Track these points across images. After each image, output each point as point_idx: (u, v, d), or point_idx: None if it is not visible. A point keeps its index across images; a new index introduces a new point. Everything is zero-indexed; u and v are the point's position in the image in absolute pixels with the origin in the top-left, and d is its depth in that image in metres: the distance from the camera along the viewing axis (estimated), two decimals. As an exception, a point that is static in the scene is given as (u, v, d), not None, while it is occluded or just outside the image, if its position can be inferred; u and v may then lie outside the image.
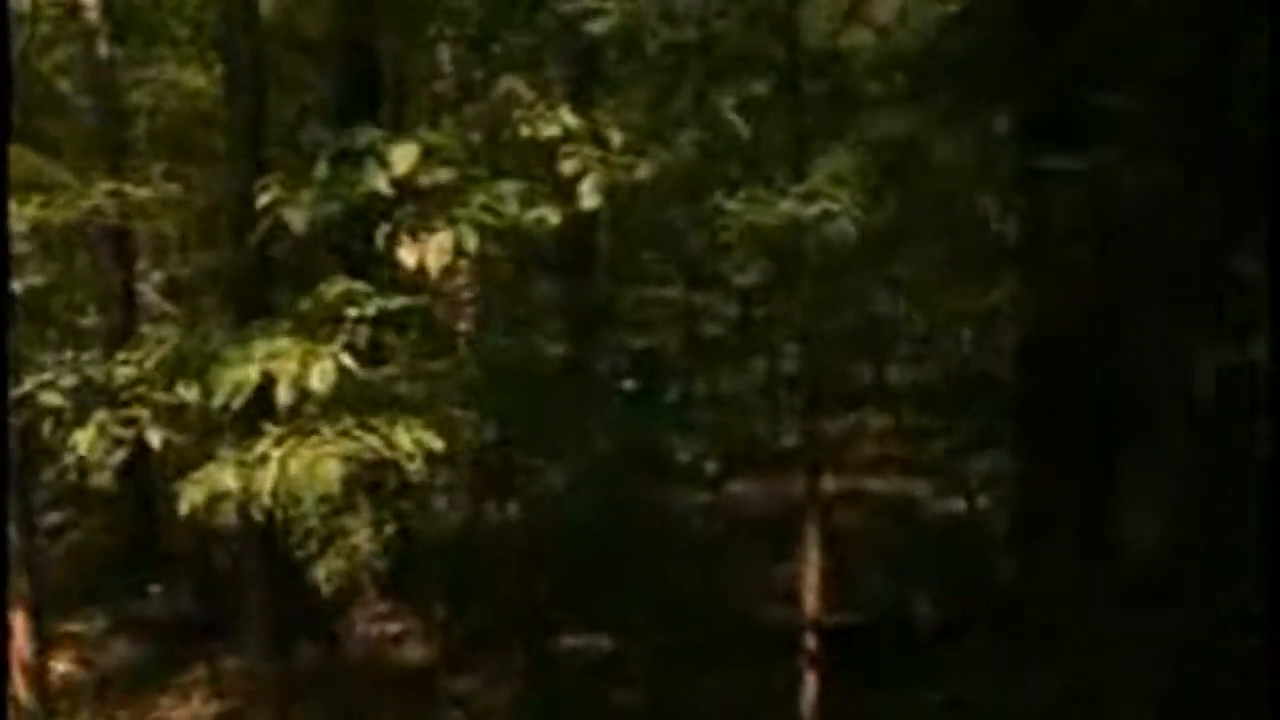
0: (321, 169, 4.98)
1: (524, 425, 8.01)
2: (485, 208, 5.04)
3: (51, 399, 5.62)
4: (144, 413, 5.48)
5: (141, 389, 5.54)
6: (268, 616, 7.79)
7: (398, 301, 5.85)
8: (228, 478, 5.13)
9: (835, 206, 6.03)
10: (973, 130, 9.33)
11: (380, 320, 5.83)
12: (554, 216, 5.25)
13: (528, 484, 9.11)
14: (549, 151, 5.50)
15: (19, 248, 7.45)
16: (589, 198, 5.38)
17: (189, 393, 5.45)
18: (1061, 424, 7.66)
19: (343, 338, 5.32)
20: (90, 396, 5.85)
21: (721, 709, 8.85)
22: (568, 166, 5.37)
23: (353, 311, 5.58)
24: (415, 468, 5.24)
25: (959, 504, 11.21)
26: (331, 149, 5.02)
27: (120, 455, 5.53)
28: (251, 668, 8.57)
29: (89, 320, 12.27)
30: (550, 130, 5.35)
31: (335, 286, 5.67)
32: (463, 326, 9.97)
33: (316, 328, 5.43)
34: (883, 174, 6.90)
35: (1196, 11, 6.89)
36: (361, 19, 10.04)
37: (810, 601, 7.47)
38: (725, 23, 7.59)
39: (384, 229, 4.97)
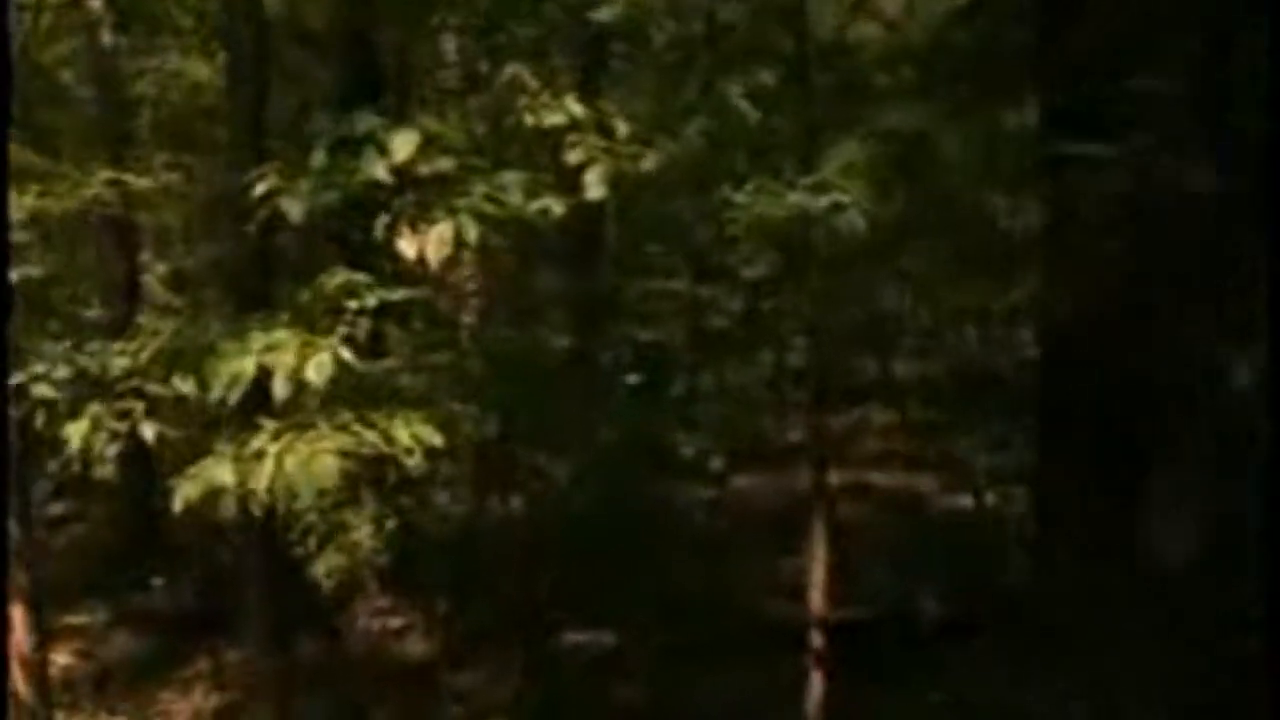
0: (319, 157, 4.81)
1: (527, 419, 7.84)
2: (487, 198, 4.87)
3: (44, 391, 5.44)
4: (138, 405, 5.30)
5: (136, 381, 5.36)
6: (268, 611, 7.63)
7: (399, 293, 5.69)
8: (223, 473, 4.96)
9: (845, 198, 5.87)
10: (981, 125, 9.18)
11: (382, 312, 5.68)
12: (558, 207, 5.08)
13: (530, 478, 8.95)
14: (554, 141, 5.33)
15: (17, 237, 7.28)
16: (594, 188, 5.21)
17: (185, 385, 5.28)
18: (1087, 424, 7.40)
19: (342, 330, 5.15)
20: (86, 389, 5.69)
21: (724, 706, 8.69)
22: (573, 156, 5.20)
23: (353, 303, 5.42)
24: (414, 463, 5.07)
25: (965, 499, 11.06)
26: (330, 137, 4.84)
27: (116, 448, 5.34)
28: (252, 662, 8.41)
29: (93, 312, 12.10)
30: (555, 119, 5.18)
31: (335, 278, 5.50)
32: (466, 319, 9.82)
33: (315, 320, 5.26)
34: (891, 168, 6.72)
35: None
36: (364, 10, 9.88)
37: (816, 599, 7.32)
38: (732, 14, 7.42)
39: (383, 219, 4.79)
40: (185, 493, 5.08)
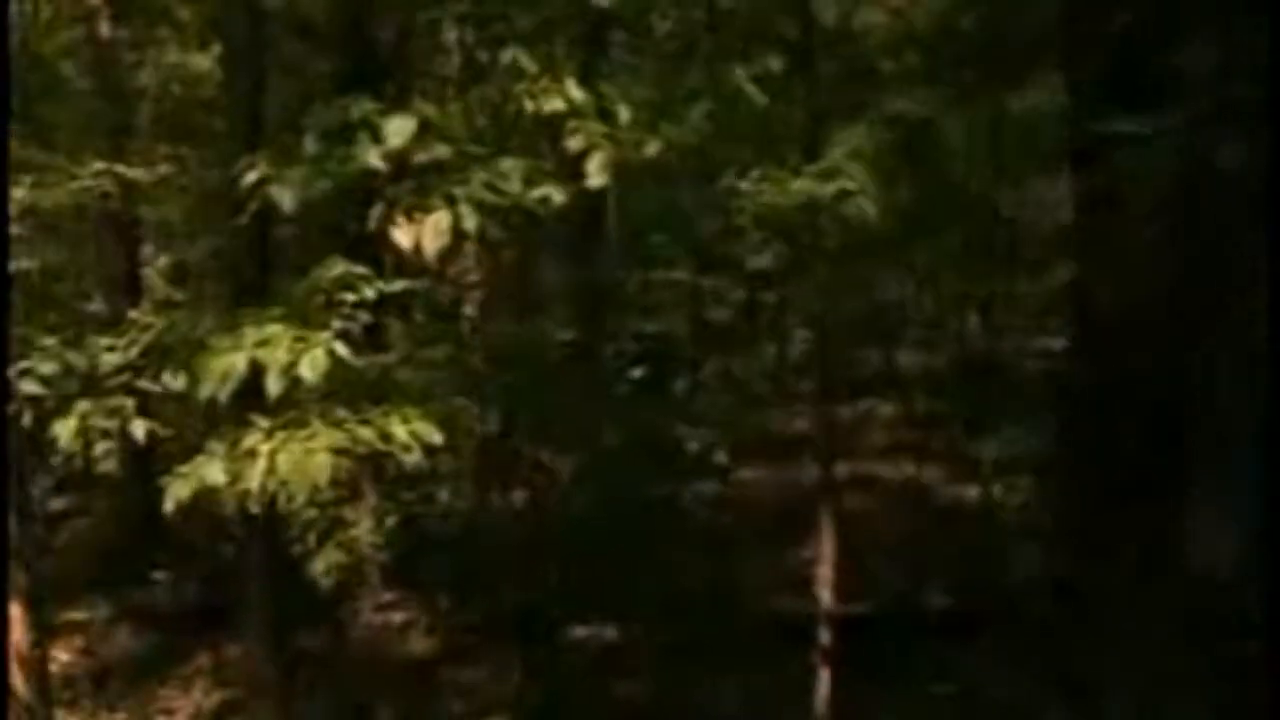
0: (311, 144, 4.56)
1: (529, 413, 7.61)
2: (486, 186, 4.62)
3: (30, 387, 5.20)
4: (128, 402, 5.07)
5: (126, 377, 5.12)
6: (269, 606, 7.42)
7: (398, 285, 5.46)
8: (215, 472, 4.73)
9: (853, 185, 5.64)
10: (986, 111, 8.95)
11: (382, 305, 5.44)
12: (559, 195, 4.82)
13: (533, 473, 8.72)
14: (554, 128, 5.09)
15: (13, 230, 7.06)
16: (596, 176, 4.97)
17: (176, 381, 5.05)
18: (1122, 418, 7.00)
19: (337, 324, 4.91)
20: (81, 385, 5.45)
21: (728, 702, 8.48)
22: (573, 143, 4.95)
23: (350, 296, 5.18)
24: (412, 460, 4.83)
25: (970, 491, 10.84)
26: (323, 123, 4.59)
27: (106, 446, 5.11)
28: (253, 658, 8.20)
29: (95, 306, 11.87)
30: (555, 104, 4.92)
31: (332, 270, 5.27)
32: (468, 311, 9.60)
33: (311, 313, 5.03)
34: (898, 155, 6.49)
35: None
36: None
37: (825, 596, 7.11)
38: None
39: (378, 208, 4.55)
40: (176, 492, 4.86)
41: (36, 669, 7.77)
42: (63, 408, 5.10)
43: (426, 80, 10.74)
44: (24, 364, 5.24)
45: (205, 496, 4.99)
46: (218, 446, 4.91)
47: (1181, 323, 6.02)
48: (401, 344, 6.49)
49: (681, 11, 8.11)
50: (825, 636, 7.18)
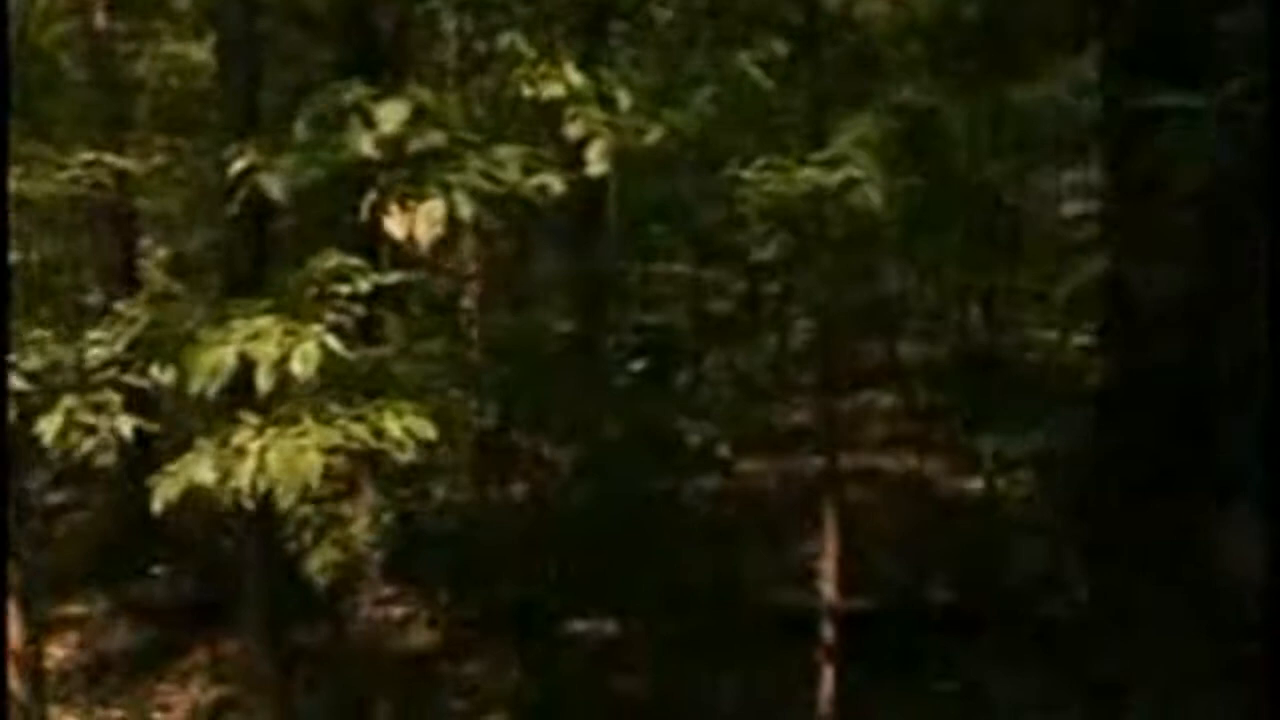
0: (301, 130, 4.33)
1: (528, 406, 7.39)
2: (483, 174, 4.38)
3: (16, 382, 4.97)
4: (115, 397, 4.85)
5: (114, 372, 4.90)
6: (267, 601, 7.22)
7: (393, 277, 5.24)
8: (203, 471, 4.51)
9: (859, 173, 5.42)
10: (990, 101, 8.73)
11: (377, 297, 5.22)
12: (557, 184, 4.59)
13: (532, 467, 8.51)
14: (553, 114, 4.86)
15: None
16: (596, 164, 4.74)
17: (163, 376, 4.82)
18: (1158, 416, 6.65)
19: (329, 317, 4.69)
20: (75, 379, 5.24)
21: (728, 697, 8.29)
22: (572, 130, 4.72)
23: (344, 288, 4.96)
24: (407, 457, 4.61)
25: (971, 484, 10.65)
26: (315, 109, 4.36)
27: (91, 442, 4.89)
28: (250, 653, 8.00)
29: (94, 298, 11.66)
30: (553, 90, 4.69)
31: (326, 261, 5.04)
32: (466, 303, 9.39)
33: (304, 305, 4.80)
34: (902, 144, 6.26)
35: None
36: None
37: (828, 591, 6.91)
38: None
39: (370, 196, 4.31)
40: (164, 492, 4.64)
41: (30, 665, 7.58)
42: (48, 403, 4.86)
43: (425, 69, 10.50)
44: (10, 358, 5.01)
45: (196, 495, 4.78)
46: (206, 444, 4.69)
47: (1222, 314, 5.60)
48: (397, 337, 6.24)
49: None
50: (828, 632, 6.99)
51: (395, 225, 4.26)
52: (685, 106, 5.05)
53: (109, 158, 6.54)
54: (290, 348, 4.39)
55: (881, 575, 9.15)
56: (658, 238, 9.56)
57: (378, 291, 5.17)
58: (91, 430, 4.90)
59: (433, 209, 4.20)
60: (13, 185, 6.29)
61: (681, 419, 9.33)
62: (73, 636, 9.91)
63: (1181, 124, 5.20)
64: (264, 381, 4.39)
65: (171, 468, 4.69)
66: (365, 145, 4.24)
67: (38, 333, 5.45)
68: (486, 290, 9.08)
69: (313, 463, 4.35)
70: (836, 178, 5.42)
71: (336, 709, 8.35)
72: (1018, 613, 8.64)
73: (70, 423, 4.82)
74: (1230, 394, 5.88)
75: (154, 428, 5.28)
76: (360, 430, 4.53)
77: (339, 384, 4.79)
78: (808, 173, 5.45)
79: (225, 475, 4.53)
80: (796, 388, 12.13)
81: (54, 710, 8.59)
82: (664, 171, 6.96)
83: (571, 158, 4.80)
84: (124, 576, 10.63)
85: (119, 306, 5.17)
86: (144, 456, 10.35)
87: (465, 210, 4.23)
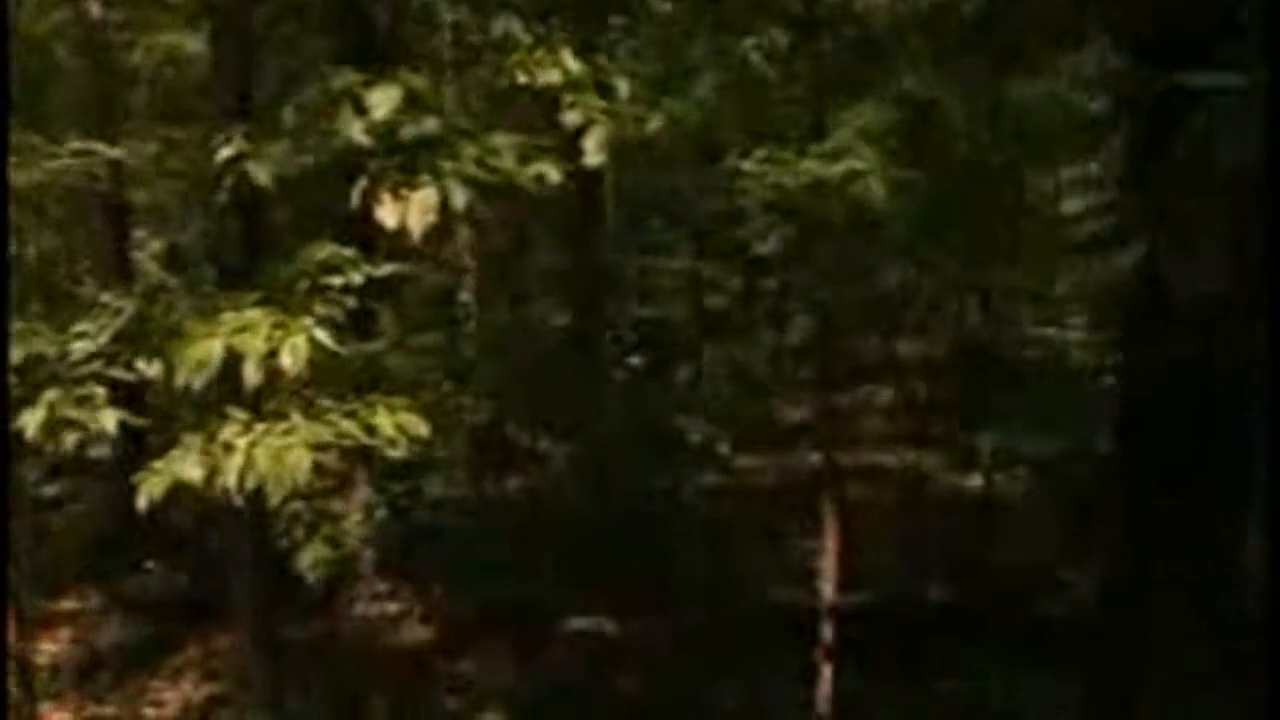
0: (289, 115, 4.15)
1: (524, 402, 7.21)
2: (477, 162, 4.20)
3: (8, 378, 4.78)
4: (100, 391, 4.65)
5: (98, 364, 4.71)
6: (260, 597, 7.04)
7: (386, 268, 5.05)
8: (188, 468, 4.32)
9: (861, 165, 5.25)
10: (989, 97, 8.56)
11: (370, 290, 5.03)
12: (555, 173, 4.41)
13: (528, 463, 8.33)
14: (550, 102, 4.68)
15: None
16: (594, 154, 4.56)
17: (149, 369, 4.63)
18: (1183, 413, 6.39)
19: (320, 309, 4.50)
20: (52, 371, 5.04)
21: (726, 694, 8.13)
22: (570, 118, 4.54)
23: (336, 280, 4.78)
24: (400, 453, 4.43)
25: (968, 479, 10.49)
26: (305, 95, 4.18)
27: (74, 438, 4.70)
28: (243, 649, 7.82)
29: (87, 291, 11.44)
30: (550, 77, 4.51)
31: (318, 253, 4.86)
32: (464, 297, 9.21)
33: (293, 298, 4.62)
34: (903, 137, 6.09)
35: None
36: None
37: (827, 590, 6.76)
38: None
39: (360, 184, 4.13)
40: (149, 489, 4.45)
41: (19, 662, 7.42)
42: (31, 397, 4.67)
43: (421, 61, 10.30)
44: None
45: (187, 491, 4.60)
46: (193, 440, 4.50)
47: (1258, 309, 5.32)
48: (391, 331, 6.06)
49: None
50: (827, 630, 6.85)
51: (387, 214, 4.07)
52: (685, 95, 4.88)
53: (99, 147, 6.34)
54: (279, 341, 4.21)
55: (880, 572, 8.99)
56: (656, 231, 9.38)
57: (371, 284, 4.98)
58: (74, 425, 4.69)
59: (425, 197, 4.02)
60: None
61: (680, 415, 9.16)
62: (65, 632, 9.71)
63: (1220, 105, 4.91)
64: (251, 375, 4.21)
65: (157, 464, 4.50)
66: (356, 131, 4.06)
67: (19, 325, 5.26)
68: (483, 284, 8.88)
69: (301, 459, 4.17)
70: (838, 170, 5.25)
71: (330, 705, 8.17)
72: (1017, 610, 8.51)
73: (53, 418, 4.61)
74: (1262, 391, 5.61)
75: (141, 422, 5.06)
76: (351, 426, 4.34)
77: (330, 378, 4.60)
78: (809, 164, 5.28)
79: (212, 472, 4.34)
80: (795, 383, 11.96)
81: (46, 706, 8.43)
82: (663, 163, 6.78)
83: (569, 147, 4.62)
84: (117, 571, 10.43)
85: (104, 298, 4.97)
86: (138, 451, 10.22)
87: (459, 198, 4.05)
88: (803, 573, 8.53)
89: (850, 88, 6.55)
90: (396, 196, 4.05)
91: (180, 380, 4.38)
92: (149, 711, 8.69)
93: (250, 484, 4.27)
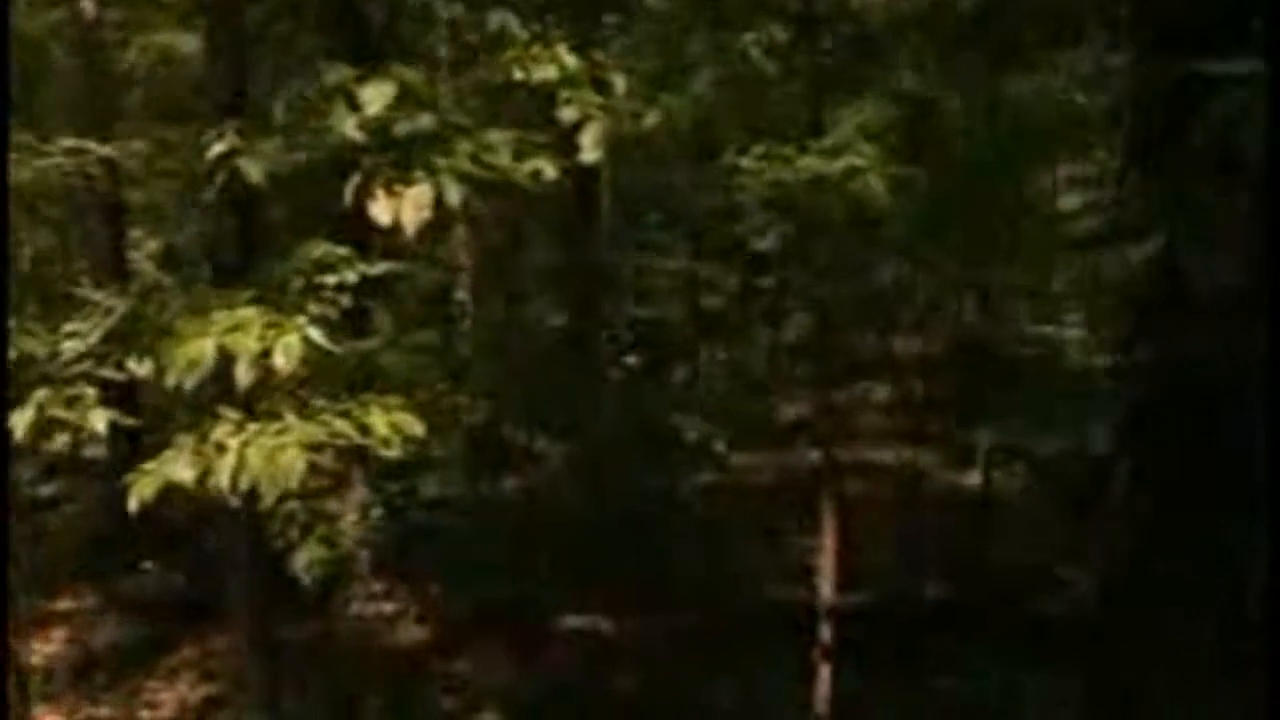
0: (280, 111, 4.06)
1: (521, 401, 7.12)
2: (472, 158, 4.11)
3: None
4: (90, 391, 4.57)
5: (89, 364, 4.62)
6: (256, 597, 6.94)
7: (381, 267, 4.97)
8: (179, 470, 4.23)
9: (861, 161, 5.18)
10: (986, 92, 8.51)
11: (366, 289, 4.95)
12: (551, 169, 4.32)
13: (524, 462, 8.24)
14: (546, 98, 4.60)
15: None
16: (590, 150, 4.48)
17: (140, 369, 4.55)
18: (1185, 416, 6.29)
19: (314, 308, 4.42)
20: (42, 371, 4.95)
21: (723, 694, 8.04)
22: (566, 114, 4.46)
23: (330, 278, 4.70)
24: (395, 453, 4.35)
25: (966, 477, 10.41)
26: (294, 90, 4.09)
27: (64, 439, 4.61)
28: (239, 649, 7.73)
29: (84, 291, 11.32)
30: (546, 72, 4.43)
31: (313, 251, 4.78)
32: (460, 296, 9.12)
33: (286, 297, 4.54)
34: (902, 134, 6.01)
35: None
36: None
37: (825, 589, 6.69)
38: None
39: (353, 180, 4.04)
40: (141, 490, 4.37)
41: (12, 663, 7.32)
42: (21, 397, 4.58)
43: (418, 59, 10.22)
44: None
45: (181, 491, 4.52)
46: (186, 440, 4.42)
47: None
48: (387, 329, 5.97)
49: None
50: (825, 629, 6.78)
51: (381, 210, 3.99)
52: (683, 91, 4.80)
53: (91, 145, 6.24)
54: (272, 340, 4.13)
55: (877, 570, 8.92)
56: (652, 229, 9.29)
57: (366, 282, 4.90)
58: (65, 426, 4.60)
59: (419, 193, 3.93)
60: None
61: (676, 414, 9.08)
62: (60, 632, 9.62)
63: (1239, 91, 4.77)
64: (244, 375, 4.12)
65: (149, 465, 4.42)
66: (349, 127, 3.97)
67: (11, 323, 5.18)
68: (479, 282, 8.80)
69: (294, 459, 4.09)
70: (838, 166, 5.17)
71: (327, 706, 8.09)
72: (1016, 608, 8.43)
73: (42, 418, 4.52)
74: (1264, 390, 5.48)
75: (132, 422, 4.97)
76: (345, 426, 4.26)
77: (324, 377, 4.52)
78: (809, 161, 5.20)
79: (205, 472, 4.25)
80: (792, 381, 11.87)
81: (40, 708, 8.34)
82: (659, 160, 6.70)
83: (566, 144, 4.54)
84: (113, 571, 10.33)
85: (95, 297, 4.89)
86: (134, 450, 10.11)
87: (453, 195, 3.96)
88: (800, 571, 8.45)
89: (848, 84, 6.48)
90: (390, 193, 3.96)
91: (172, 380, 4.29)
92: (144, 713, 8.59)
93: (244, 484, 4.19)
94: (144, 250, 11.85)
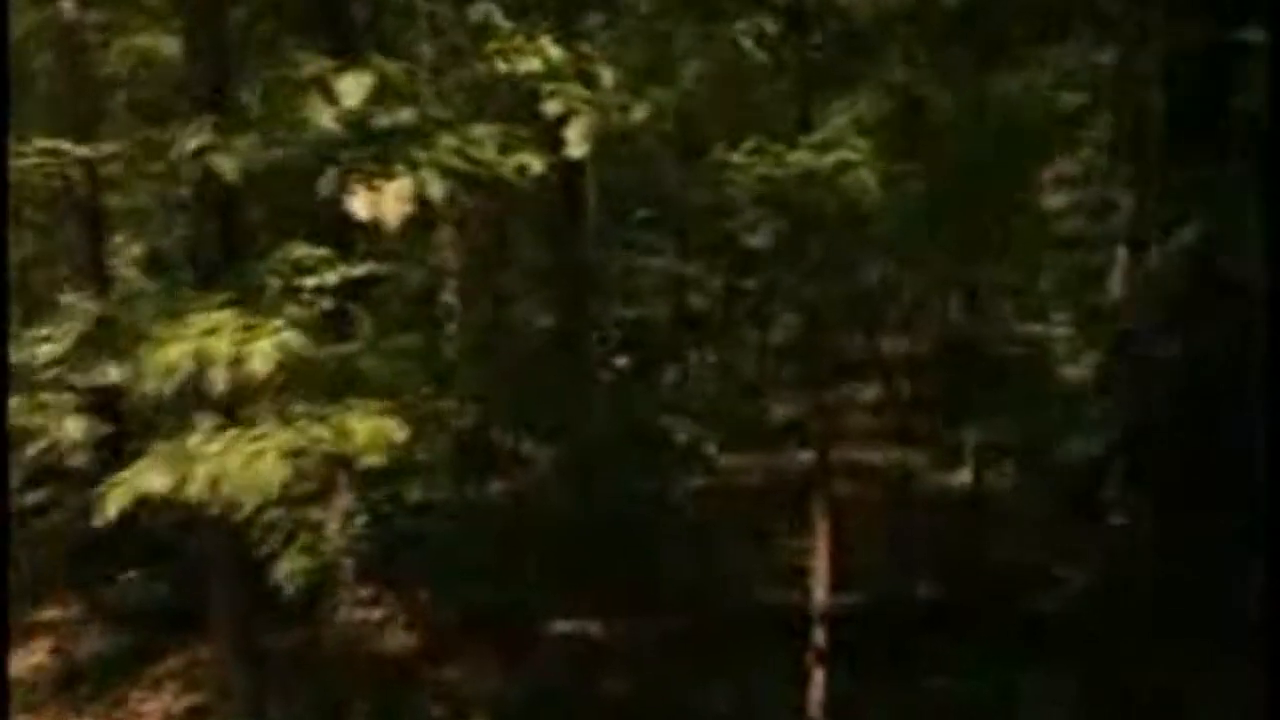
0: (255, 103, 3.87)
1: (508, 403, 6.93)
2: (456, 152, 3.93)
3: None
4: (64, 397, 4.38)
5: (61, 370, 4.43)
6: (241, 605, 6.76)
7: (362, 268, 4.79)
8: (153, 479, 4.04)
9: (854, 156, 5.01)
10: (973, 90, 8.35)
11: (347, 290, 4.77)
12: (537, 164, 4.14)
13: (512, 466, 8.05)
14: (530, 92, 4.42)
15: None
16: (576, 145, 4.30)
17: (115, 374, 4.36)
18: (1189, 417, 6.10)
19: (291, 310, 4.23)
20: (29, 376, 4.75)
21: (715, 698, 7.88)
22: (551, 107, 4.28)
23: (310, 280, 4.51)
24: (374, 460, 4.16)
25: (955, 476, 10.26)
26: (268, 81, 3.90)
27: (36, 447, 4.42)
28: (224, 658, 7.53)
29: (66, 297, 11.11)
30: (530, 65, 4.24)
31: (291, 253, 4.59)
32: (447, 298, 8.93)
33: (265, 300, 4.35)
34: (894, 130, 5.85)
35: None
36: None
37: (818, 590, 6.52)
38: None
39: (330, 174, 3.85)
40: (114, 500, 4.18)
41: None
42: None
43: (400, 57, 10.02)
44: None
45: (161, 500, 4.33)
46: (162, 448, 4.23)
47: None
48: (369, 332, 5.77)
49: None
50: (818, 631, 6.63)
51: (360, 205, 3.80)
52: (670, 84, 4.62)
53: (66, 145, 6.04)
54: (246, 344, 3.94)
55: (869, 571, 8.76)
56: (639, 227, 9.10)
57: (348, 284, 4.72)
58: (40, 433, 4.42)
59: (400, 188, 3.74)
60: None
61: (666, 416, 8.91)
62: (44, 642, 9.40)
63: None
64: (218, 380, 3.93)
65: (124, 474, 4.23)
66: (326, 119, 3.78)
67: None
68: (465, 284, 8.60)
69: (274, 466, 3.90)
70: (829, 161, 5.00)
71: (314, 714, 7.90)
72: (1008, 607, 8.29)
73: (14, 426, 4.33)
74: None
75: (111, 429, 4.78)
76: (324, 432, 4.07)
77: (303, 382, 4.33)
78: (799, 156, 5.04)
79: (181, 481, 4.06)
80: (780, 382, 11.71)
81: (24, 718, 8.14)
82: (646, 157, 6.52)
83: (551, 138, 4.36)
84: (96, 581, 10.11)
85: (68, 300, 4.70)
86: (116, 458, 9.88)
87: (435, 189, 3.78)
88: (790, 573, 8.30)
89: (837, 79, 6.32)
90: (370, 187, 3.77)
91: (149, 386, 4.11)
92: (129, 723, 8.41)
93: (224, 493, 4.00)
94: (126, 256, 11.62)
